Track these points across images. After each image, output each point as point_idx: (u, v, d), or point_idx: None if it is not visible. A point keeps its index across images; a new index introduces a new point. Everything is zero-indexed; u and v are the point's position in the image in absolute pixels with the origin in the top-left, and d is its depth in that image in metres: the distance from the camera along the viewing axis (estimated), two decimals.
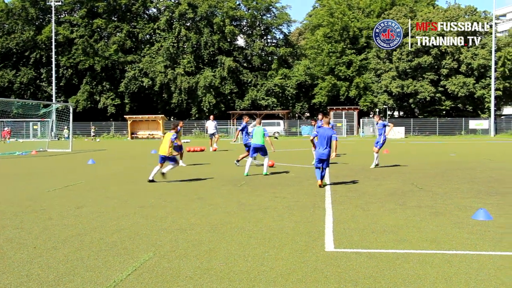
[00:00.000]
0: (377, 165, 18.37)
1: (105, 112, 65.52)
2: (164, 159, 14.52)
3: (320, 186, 12.94)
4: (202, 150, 29.62)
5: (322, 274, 5.84)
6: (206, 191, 12.64)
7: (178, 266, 6.18)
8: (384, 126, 18.26)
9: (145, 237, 7.73)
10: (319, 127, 15.01)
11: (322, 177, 13.10)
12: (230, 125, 59.78)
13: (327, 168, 13.45)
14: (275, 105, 64.96)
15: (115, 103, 64.55)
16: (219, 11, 66.81)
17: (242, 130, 19.01)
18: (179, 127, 17.14)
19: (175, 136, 14.64)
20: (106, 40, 67.62)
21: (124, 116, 60.23)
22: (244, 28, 70.94)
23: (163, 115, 59.10)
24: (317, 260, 6.40)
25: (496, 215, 9.13)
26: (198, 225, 8.57)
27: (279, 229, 8.22)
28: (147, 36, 69.11)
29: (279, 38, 70.90)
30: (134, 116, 58.41)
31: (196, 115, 64.52)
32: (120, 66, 66.50)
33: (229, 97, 65.20)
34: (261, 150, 16.41)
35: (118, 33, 66.84)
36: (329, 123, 13.76)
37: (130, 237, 7.73)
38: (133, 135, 57.09)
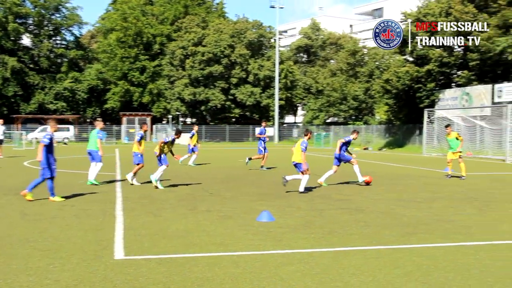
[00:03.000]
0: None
1: None
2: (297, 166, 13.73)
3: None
4: None
5: (111, 283, 5.74)
6: None
7: None
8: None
9: None
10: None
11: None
12: (14, 130, 55.46)
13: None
14: (64, 110, 62.10)
15: None
16: (1, 6, 61.66)
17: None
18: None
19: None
20: None
21: None
22: (30, 27, 66.37)
23: None
24: (106, 269, 6.28)
25: (278, 216, 9.84)
26: None
27: (67, 239, 7.88)
28: None
29: (70, 40, 67.74)
30: None
31: None
32: None
33: (12, 100, 60.47)
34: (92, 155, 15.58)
35: None
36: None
37: None
38: None
